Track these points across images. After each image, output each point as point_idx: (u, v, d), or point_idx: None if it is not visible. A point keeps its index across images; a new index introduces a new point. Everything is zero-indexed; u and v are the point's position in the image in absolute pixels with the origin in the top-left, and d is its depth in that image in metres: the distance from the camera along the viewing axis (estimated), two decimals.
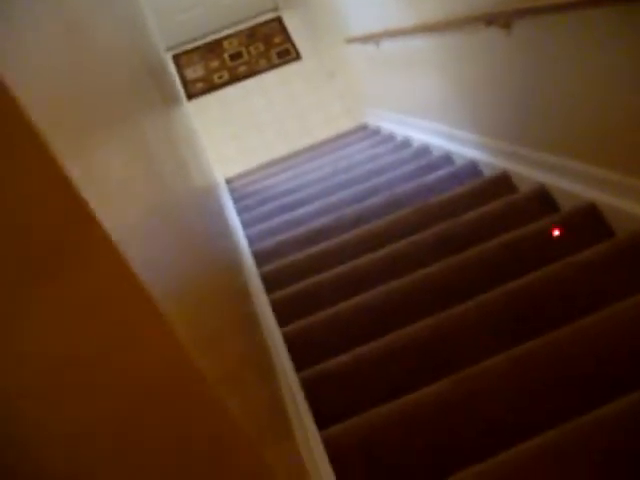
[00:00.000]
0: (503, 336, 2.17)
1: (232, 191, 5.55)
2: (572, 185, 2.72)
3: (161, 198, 1.13)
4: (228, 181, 6.01)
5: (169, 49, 7.34)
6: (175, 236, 1.11)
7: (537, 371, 1.86)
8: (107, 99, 1.01)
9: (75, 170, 0.59)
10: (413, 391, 2.03)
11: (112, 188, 0.72)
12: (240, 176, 6.16)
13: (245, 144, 6.62)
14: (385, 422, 1.90)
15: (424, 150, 4.53)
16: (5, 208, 0.55)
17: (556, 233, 2.59)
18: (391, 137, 5.47)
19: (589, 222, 2.57)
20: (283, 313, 2.81)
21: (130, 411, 0.68)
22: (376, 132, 5.98)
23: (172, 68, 7.04)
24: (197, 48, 7.40)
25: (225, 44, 7.37)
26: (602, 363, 1.83)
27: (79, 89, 0.82)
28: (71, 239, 0.57)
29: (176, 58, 7.35)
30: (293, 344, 2.50)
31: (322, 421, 2.11)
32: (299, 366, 2.42)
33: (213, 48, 7.38)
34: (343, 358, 2.26)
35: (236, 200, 5.21)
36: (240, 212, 4.81)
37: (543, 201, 2.91)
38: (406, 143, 4.98)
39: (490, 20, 2.77)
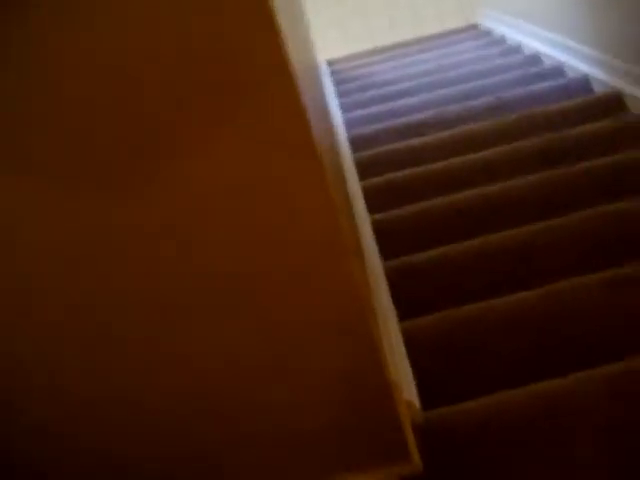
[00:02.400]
0: (598, 257, 2.15)
1: (333, 74, 5.50)
2: None
3: (303, 61, 1.13)
4: (330, 63, 5.95)
5: None
6: (313, 102, 1.11)
7: (634, 299, 1.84)
8: None
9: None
10: (497, 296, 2.04)
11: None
12: (343, 60, 6.08)
13: (351, 29, 6.52)
14: (470, 320, 1.91)
15: (535, 58, 4.40)
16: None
17: None
18: (502, 40, 5.32)
19: None
20: (374, 201, 2.81)
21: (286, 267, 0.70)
22: (487, 34, 5.82)
23: None
24: None
25: None
26: None
27: None
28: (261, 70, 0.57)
29: None
30: (381, 233, 2.51)
31: (404, 313, 2.13)
32: (386, 256, 2.43)
33: None
34: (430, 254, 2.27)
35: (337, 83, 5.17)
36: (340, 95, 4.77)
37: None
38: (517, 49, 4.85)
39: None
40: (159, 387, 0.80)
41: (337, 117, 3.89)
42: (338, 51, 6.34)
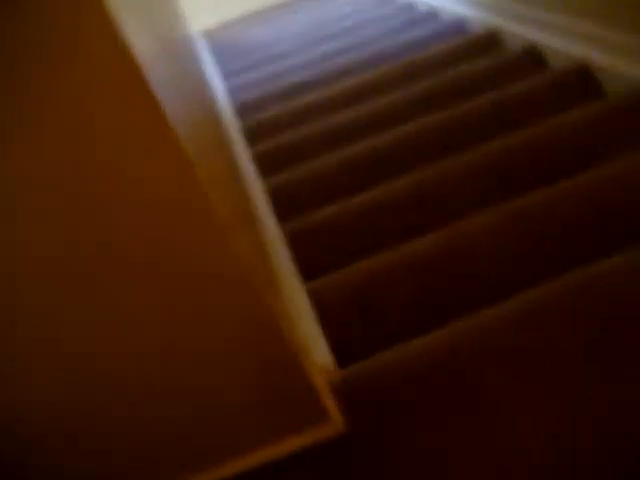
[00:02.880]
0: (490, 194, 2.16)
1: (211, 44, 5.40)
2: (563, 43, 2.66)
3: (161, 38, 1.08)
4: (206, 34, 5.84)
5: None
6: (172, 69, 1.06)
7: (528, 226, 1.85)
8: None
9: None
10: (401, 244, 2.03)
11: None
12: (218, 29, 5.98)
13: None
14: (374, 273, 1.90)
15: (409, 6, 4.40)
16: None
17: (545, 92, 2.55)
18: None
19: (580, 82, 2.52)
20: (265, 166, 2.77)
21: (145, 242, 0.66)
22: None
23: None
24: None
25: None
26: (596, 219, 1.83)
27: None
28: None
29: None
30: (276, 197, 2.48)
31: (308, 274, 2.11)
32: (283, 219, 2.40)
33: None
34: (328, 210, 2.24)
35: (214, 53, 5.08)
36: (219, 65, 4.69)
37: (532, 60, 2.85)
38: None
39: None
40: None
41: (219, 87, 3.82)
42: (214, 20, 6.22)
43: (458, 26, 3.57)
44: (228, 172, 1.96)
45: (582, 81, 2.52)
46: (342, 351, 1.80)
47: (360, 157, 2.53)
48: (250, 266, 0.76)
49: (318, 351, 1.74)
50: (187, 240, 0.67)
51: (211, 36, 5.65)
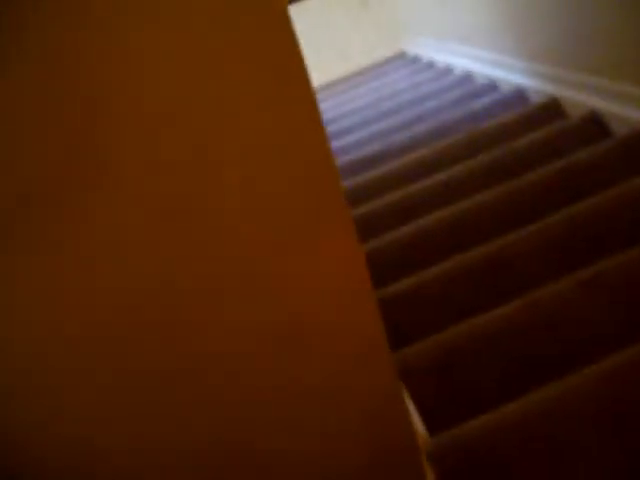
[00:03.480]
0: (564, 261, 2.21)
1: None
2: (625, 109, 2.72)
3: None
4: None
5: None
6: None
7: (606, 293, 1.89)
8: None
9: None
10: (478, 314, 2.08)
11: None
12: None
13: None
14: (454, 343, 1.95)
15: (467, 77, 4.50)
16: None
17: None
18: (430, 65, 5.43)
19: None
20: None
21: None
22: (415, 60, 5.93)
23: None
24: None
25: None
26: None
27: None
28: None
29: None
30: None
31: (391, 344, 2.17)
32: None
33: None
34: (404, 283, 2.31)
35: None
36: None
37: (596, 127, 2.91)
38: (447, 71, 4.95)
39: None
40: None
41: None
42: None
43: (519, 96, 3.66)
44: None
45: None
46: (430, 419, 1.85)
47: (429, 230, 2.59)
48: (382, 343, 0.83)
49: (414, 419, 1.79)
50: (337, 322, 0.74)
51: None
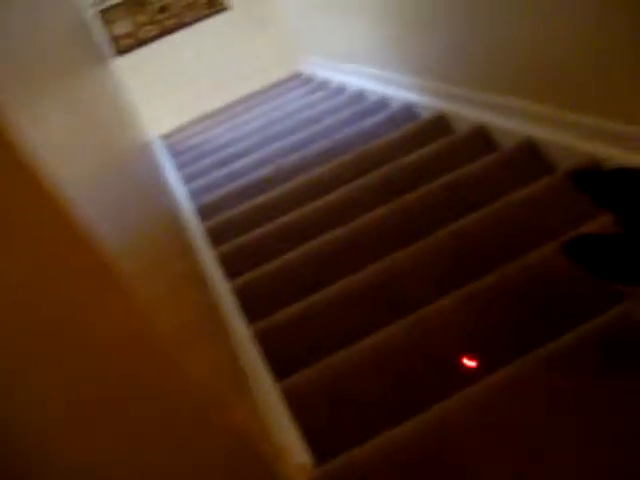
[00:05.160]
0: (450, 277, 2.20)
1: (169, 147, 5.48)
2: (510, 123, 2.74)
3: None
4: (164, 137, 5.93)
5: (94, 4, 7.15)
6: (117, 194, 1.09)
7: (489, 307, 1.89)
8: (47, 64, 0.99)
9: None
10: (368, 336, 2.05)
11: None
12: (176, 132, 6.09)
13: (179, 98, 6.52)
14: (343, 367, 1.91)
15: (359, 96, 4.51)
16: None
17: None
18: (325, 84, 5.44)
19: (529, 159, 2.60)
20: (230, 267, 2.80)
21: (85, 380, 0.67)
22: (310, 80, 5.94)
23: (97, 24, 6.87)
24: (123, 3, 7.22)
25: None
26: (551, 297, 1.87)
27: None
28: None
29: (103, 13, 7.18)
30: (243, 297, 2.50)
31: (280, 372, 2.12)
32: (251, 319, 2.42)
33: (139, 2, 7.21)
34: (295, 308, 2.27)
35: (174, 156, 5.15)
36: (179, 168, 4.75)
37: (482, 141, 2.93)
38: (341, 89, 4.96)
39: None
40: None
41: (179, 190, 3.87)
42: (172, 121, 6.33)
43: (408, 112, 3.67)
44: (191, 278, 1.99)
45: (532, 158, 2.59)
46: (319, 447, 1.81)
47: (322, 251, 2.57)
48: (207, 388, 0.78)
49: (295, 450, 1.75)
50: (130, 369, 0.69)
51: (170, 140, 5.73)
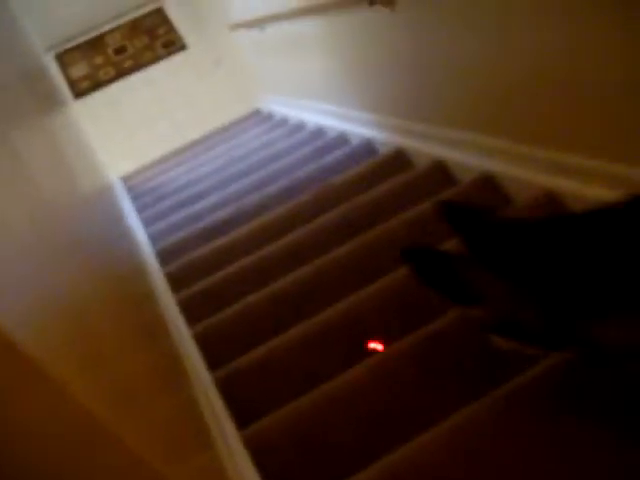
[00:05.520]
0: (412, 315, 2.17)
1: (128, 190, 5.44)
2: (468, 157, 2.73)
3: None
4: (123, 180, 5.89)
5: (50, 48, 7.12)
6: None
7: (448, 349, 1.87)
8: None
9: None
10: (329, 379, 2.01)
11: None
12: (135, 174, 6.05)
13: (137, 140, 6.50)
14: (307, 412, 1.88)
15: (318, 132, 4.51)
16: None
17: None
18: (284, 121, 5.44)
19: (486, 193, 2.59)
20: (191, 311, 2.76)
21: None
22: (269, 117, 5.94)
23: (54, 68, 6.84)
24: (79, 45, 7.20)
25: (108, 39, 7.20)
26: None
27: None
28: None
29: (59, 57, 7.15)
30: (204, 343, 2.46)
31: (243, 419, 2.08)
32: (212, 365, 2.38)
33: (96, 44, 7.20)
34: (256, 352, 2.23)
35: (133, 199, 5.11)
36: (138, 211, 4.71)
37: (441, 176, 2.92)
38: (300, 126, 4.96)
39: (372, 1, 2.76)
40: None
41: (139, 234, 3.83)
42: (131, 163, 6.29)
43: (367, 148, 3.66)
44: (151, 326, 1.95)
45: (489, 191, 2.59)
46: None
47: (284, 293, 2.54)
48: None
49: None
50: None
51: (130, 182, 5.69)
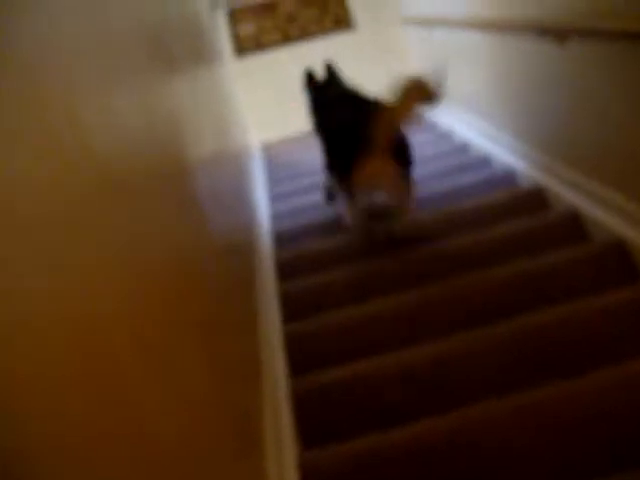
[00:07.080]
0: (510, 374, 2.06)
1: (265, 157, 5.44)
2: (606, 217, 2.58)
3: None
4: (264, 146, 5.90)
5: (226, 5, 7.19)
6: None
7: (547, 423, 1.75)
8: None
9: None
10: (406, 424, 1.93)
11: None
12: (277, 143, 6.05)
13: (285, 110, 6.47)
14: (372, 455, 1.81)
15: (463, 147, 4.40)
16: None
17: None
18: (433, 126, 5.33)
19: (618, 260, 2.44)
20: (290, 307, 2.71)
21: None
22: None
23: (221, 24, 6.90)
24: (254, 7, 7.26)
25: (281, 5, 7.23)
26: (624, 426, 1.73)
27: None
28: None
29: (231, 14, 7.23)
30: (294, 346, 2.40)
31: (307, 439, 2.02)
32: (295, 370, 2.33)
33: (268, 8, 7.24)
34: (341, 372, 2.16)
35: (268, 171, 5.10)
36: (270, 184, 4.70)
37: (574, 227, 2.77)
38: (446, 135, 4.86)
39: (542, 32, 2.64)
40: None
41: (263, 212, 3.79)
42: (275, 131, 6.29)
43: (508, 177, 3.53)
44: (239, 323, 1.90)
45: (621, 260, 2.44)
46: None
47: (389, 312, 2.46)
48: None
49: None
50: None
51: (269, 151, 5.69)
